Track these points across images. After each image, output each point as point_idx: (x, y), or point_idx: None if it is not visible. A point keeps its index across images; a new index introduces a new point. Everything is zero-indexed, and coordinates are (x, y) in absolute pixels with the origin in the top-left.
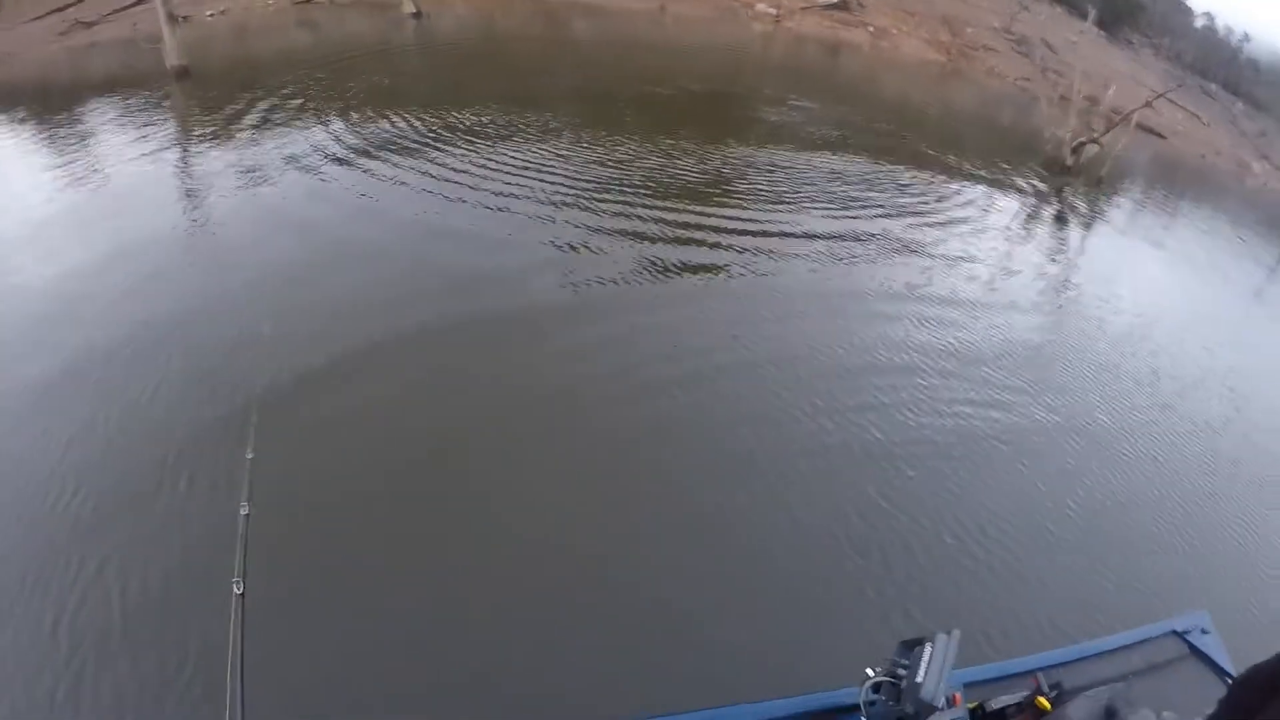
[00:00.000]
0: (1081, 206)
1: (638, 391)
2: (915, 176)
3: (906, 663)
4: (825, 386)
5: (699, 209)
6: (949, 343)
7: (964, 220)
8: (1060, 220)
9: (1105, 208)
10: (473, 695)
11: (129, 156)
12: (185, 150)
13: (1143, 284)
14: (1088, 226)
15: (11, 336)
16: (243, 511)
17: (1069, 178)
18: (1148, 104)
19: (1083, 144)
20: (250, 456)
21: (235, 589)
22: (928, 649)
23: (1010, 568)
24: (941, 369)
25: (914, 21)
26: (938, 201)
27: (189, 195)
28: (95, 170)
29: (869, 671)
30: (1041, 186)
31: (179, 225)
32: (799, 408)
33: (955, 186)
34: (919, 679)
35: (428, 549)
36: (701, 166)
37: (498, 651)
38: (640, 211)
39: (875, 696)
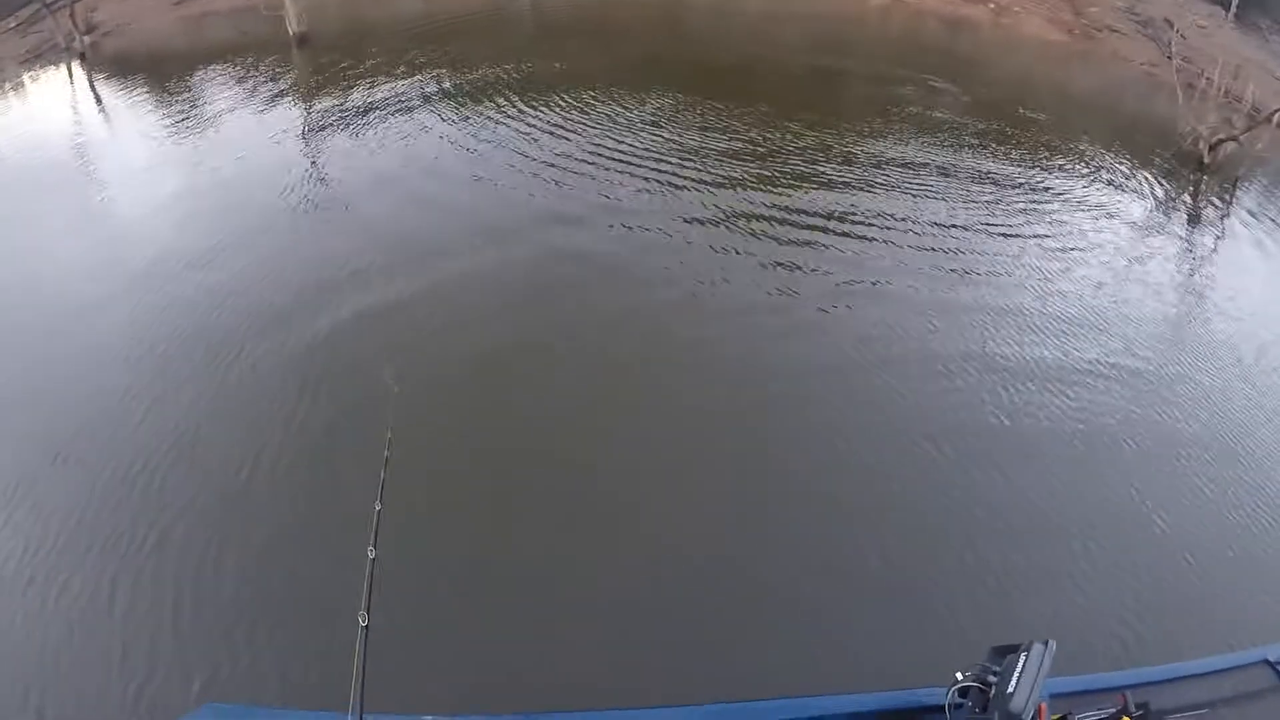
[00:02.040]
0: (1220, 206)
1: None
2: (1051, 166)
3: (998, 669)
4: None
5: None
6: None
7: (1099, 218)
8: (1199, 220)
9: (1245, 209)
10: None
11: (254, 122)
12: (306, 116)
13: None
14: (1227, 228)
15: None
16: (370, 555)
17: (1205, 173)
18: None
19: (1222, 141)
20: (378, 508)
21: (360, 620)
22: (1022, 658)
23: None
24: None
25: None
26: (1075, 198)
27: (311, 163)
28: (220, 135)
29: (958, 675)
30: (1176, 183)
31: (295, 201)
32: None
33: (1089, 178)
34: (1010, 689)
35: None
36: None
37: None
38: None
39: (961, 701)
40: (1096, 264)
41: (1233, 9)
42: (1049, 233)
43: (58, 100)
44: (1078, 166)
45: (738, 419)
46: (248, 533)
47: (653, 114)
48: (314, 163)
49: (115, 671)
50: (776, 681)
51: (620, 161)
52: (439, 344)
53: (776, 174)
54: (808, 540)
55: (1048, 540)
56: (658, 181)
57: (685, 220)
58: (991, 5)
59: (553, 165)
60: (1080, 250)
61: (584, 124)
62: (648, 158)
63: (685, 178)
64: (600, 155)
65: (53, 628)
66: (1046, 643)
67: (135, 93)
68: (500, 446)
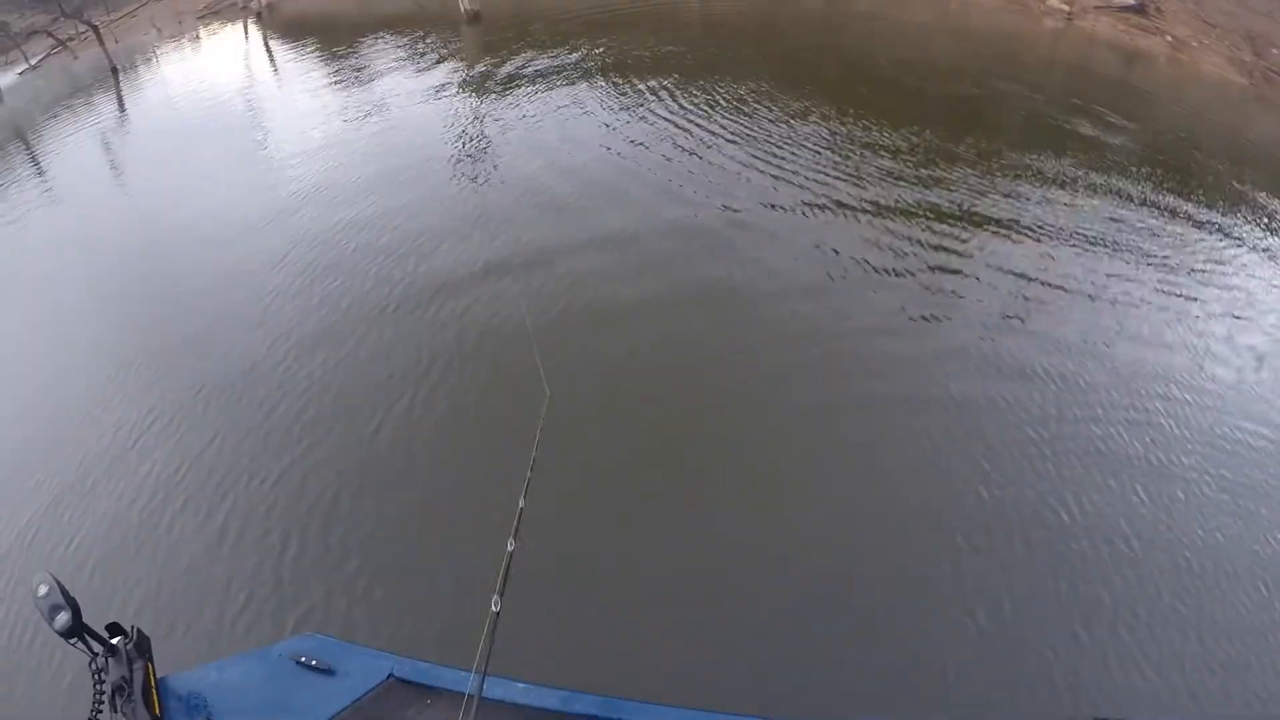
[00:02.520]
0: None
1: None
2: (1228, 224)
3: None
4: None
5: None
6: None
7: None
8: None
9: None
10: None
11: (417, 86)
12: (469, 85)
13: None
14: None
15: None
16: (509, 548)
17: None
18: None
19: None
20: (521, 505)
21: (493, 606)
22: None
23: None
24: None
25: (1215, 35)
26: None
27: (468, 127)
28: (384, 95)
29: None
30: None
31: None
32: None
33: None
34: None
35: None
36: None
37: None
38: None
39: None
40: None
41: None
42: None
43: (232, 54)
44: (1255, 225)
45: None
46: (363, 482)
47: (814, 124)
48: (471, 126)
49: (219, 593)
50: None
51: (776, 167)
52: (585, 338)
53: (931, 203)
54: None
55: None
56: (816, 194)
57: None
58: (1169, 38)
59: (708, 163)
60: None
61: (745, 129)
62: (807, 168)
63: (843, 197)
64: (758, 160)
65: (166, 544)
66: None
67: (306, 52)
68: (639, 446)
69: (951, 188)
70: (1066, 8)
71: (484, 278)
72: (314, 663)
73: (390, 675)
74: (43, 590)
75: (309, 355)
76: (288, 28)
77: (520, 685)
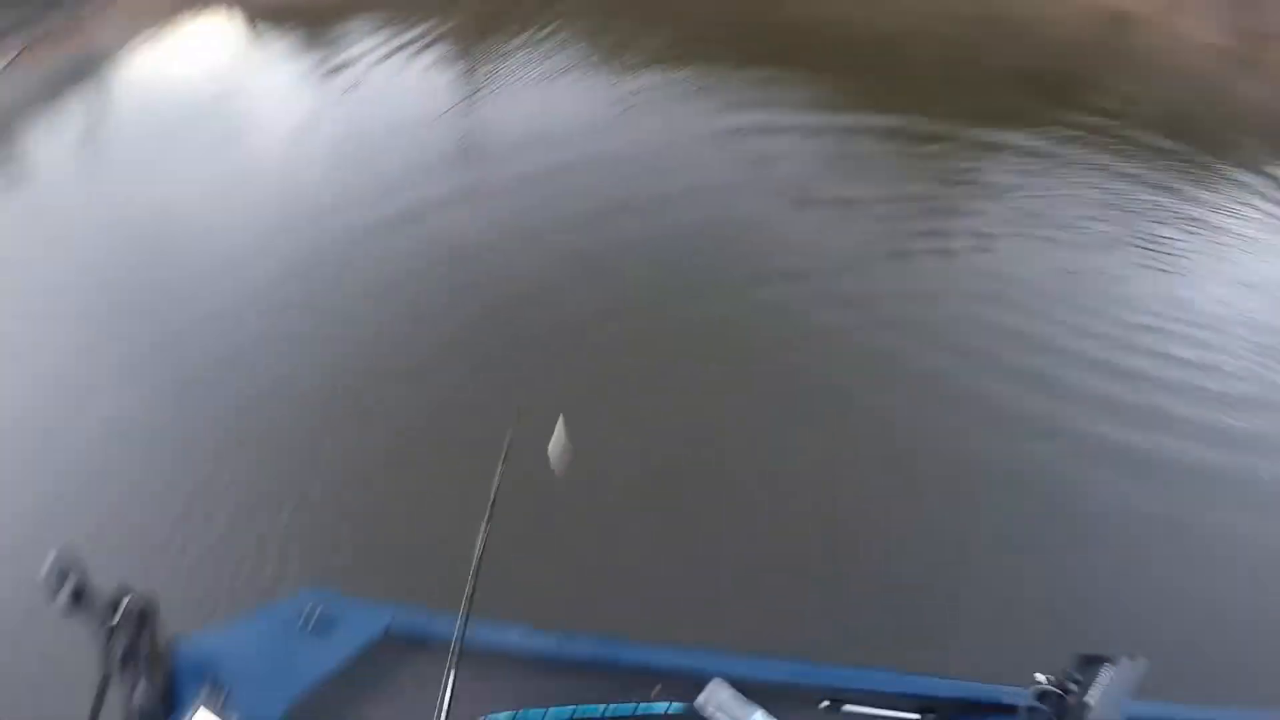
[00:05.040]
0: None
1: None
2: None
3: (1080, 678)
4: None
5: None
6: None
7: None
8: None
9: None
10: None
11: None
12: (461, 63)
13: None
14: None
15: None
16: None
17: None
18: None
19: None
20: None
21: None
22: (1107, 671)
23: None
24: None
25: None
26: None
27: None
28: (371, 77)
29: (1039, 678)
30: None
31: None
32: None
33: None
34: (1089, 700)
35: None
36: None
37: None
38: None
39: (1038, 705)
40: None
41: None
42: None
43: (208, 37)
44: None
45: None
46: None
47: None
48: (461, 106)
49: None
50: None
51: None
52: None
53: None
54: None
55: None
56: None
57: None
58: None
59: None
60: None
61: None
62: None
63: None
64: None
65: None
66: (1135, 657)
67: (290, 35)
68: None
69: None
70: None
71: None
72: (315, 619)
73: (387, 628)
74: (49, 562)
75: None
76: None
77: (514, 630)
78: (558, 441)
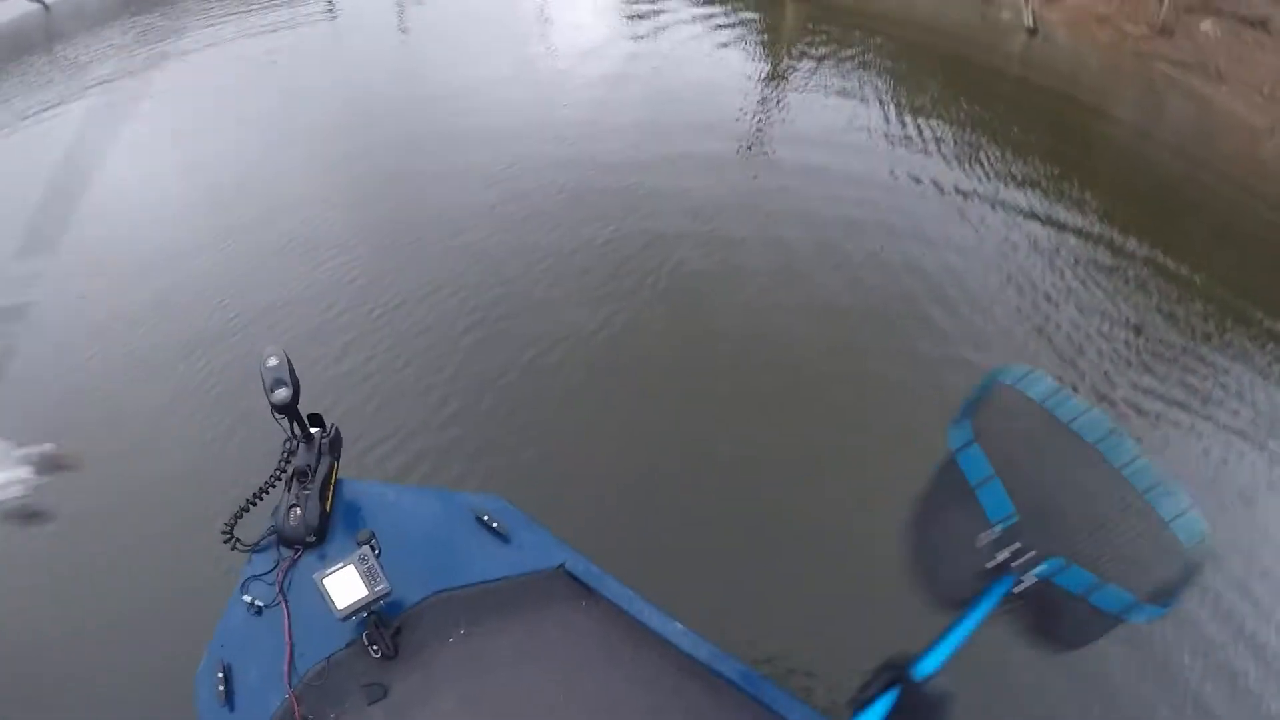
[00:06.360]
0: None
1: None
2: None
3: None
4: None
5: None
6: None
7: None
8: None
9: None
10: None
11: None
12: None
13: None
14: None
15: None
16: None
17: None
18: None
19: None
20: None
21: None
22: None
23: None
24: None
25: None
26: None
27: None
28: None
29: None
30: None
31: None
32: None
33: None
34: None
35: None
36: None
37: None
38: None
39: None
40: None
41: None
42: None
43: None
44: None
45: None
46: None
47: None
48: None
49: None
50: None
51: None
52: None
53: None
54: None
55: None
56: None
57: None
58: None
59: None
60: None
61: None
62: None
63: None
64: None
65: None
66: None
67: None
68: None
69: None
70: None
71: None
72: (495, 525)
73: (563, 565)
74: (272, 361)
75: None
76: None
77: (679, 627)
78: None
